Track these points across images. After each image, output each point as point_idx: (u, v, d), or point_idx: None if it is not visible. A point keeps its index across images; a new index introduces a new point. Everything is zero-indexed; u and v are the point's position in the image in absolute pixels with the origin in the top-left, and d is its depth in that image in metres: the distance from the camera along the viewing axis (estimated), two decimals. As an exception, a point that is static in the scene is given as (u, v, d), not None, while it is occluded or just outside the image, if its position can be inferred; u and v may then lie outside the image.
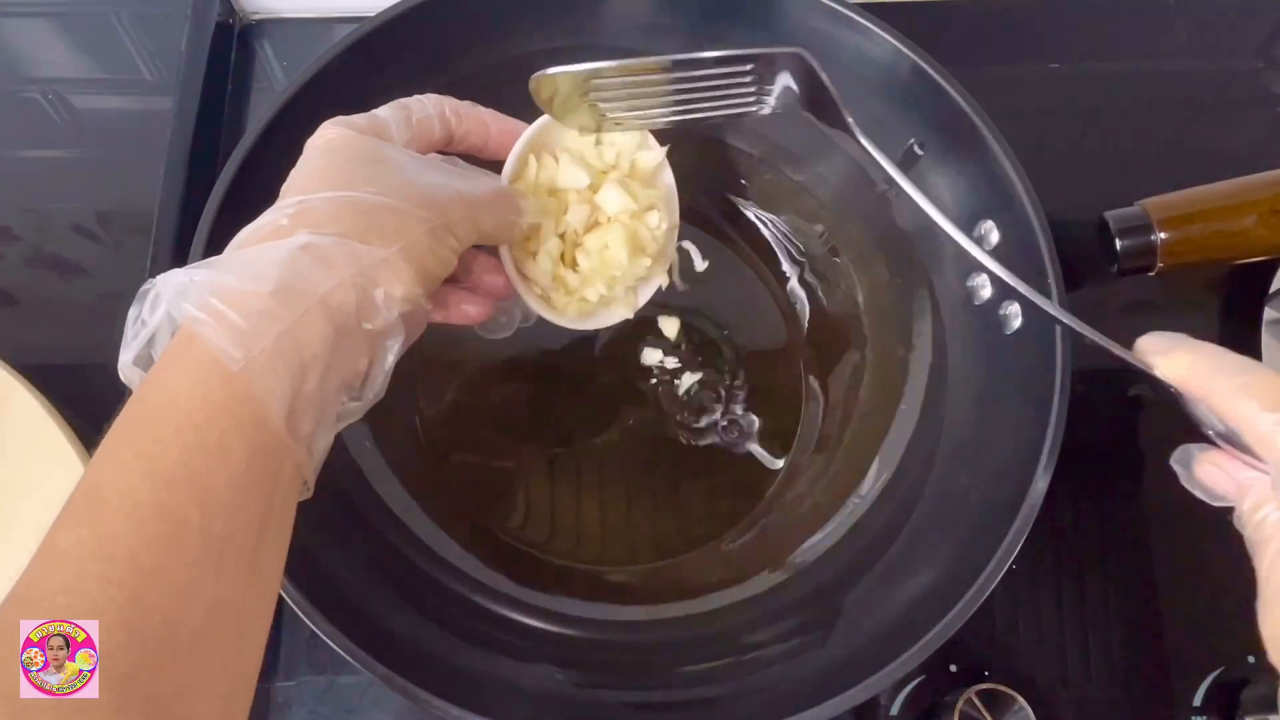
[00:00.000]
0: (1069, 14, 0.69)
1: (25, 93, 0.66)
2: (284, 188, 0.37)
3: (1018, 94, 0.67)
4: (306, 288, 0.32)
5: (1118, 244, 0.54)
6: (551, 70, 0.41)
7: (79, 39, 0.69)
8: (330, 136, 0.38)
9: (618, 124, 0.45)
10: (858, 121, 0.57)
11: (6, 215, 0.62)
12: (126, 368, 0.33)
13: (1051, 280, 0.47)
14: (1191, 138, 0.66)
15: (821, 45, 0.53)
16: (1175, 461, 0.38)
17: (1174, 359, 0.37)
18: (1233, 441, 0.36)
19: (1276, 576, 0.34)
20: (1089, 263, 0.55)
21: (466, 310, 0.44)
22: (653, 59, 0.42)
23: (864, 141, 0.43)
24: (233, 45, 0.67)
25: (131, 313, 0.33)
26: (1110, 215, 0.54)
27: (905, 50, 0.51)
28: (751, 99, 0.44)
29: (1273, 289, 0.58)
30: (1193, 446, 0.37)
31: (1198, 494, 0.37)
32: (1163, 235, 0.53)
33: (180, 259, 0.49)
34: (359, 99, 0.51)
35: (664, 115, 0.44)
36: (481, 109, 0.44)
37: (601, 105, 0.43)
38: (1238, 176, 0.54)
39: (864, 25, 0.51)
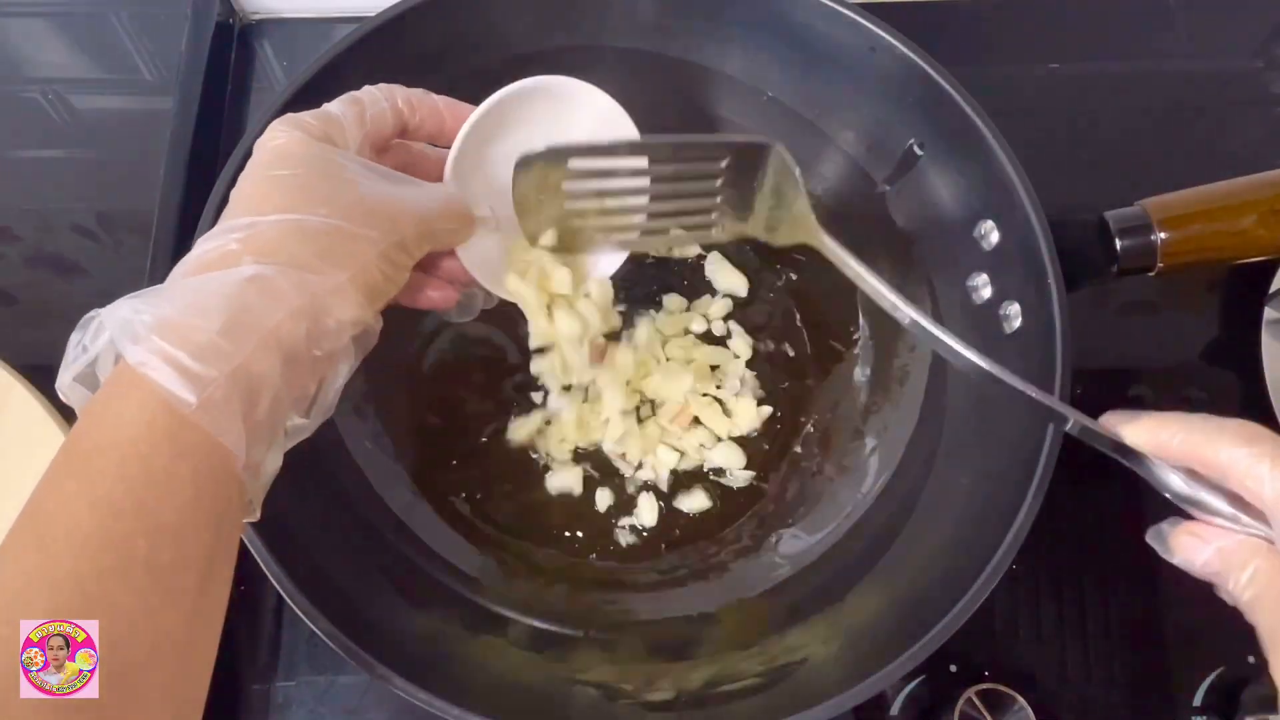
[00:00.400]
0: (1069, 14, 0.69)
1: (25, 93, 0.66)
2: (232, 195, 0.36)
3: (1018, 94, 0.67)
4: (254, 321, 0.32)
5: (1118, 244, 0.53)
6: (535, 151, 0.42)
7: (79, 39, 0.69)
8: (281, 143, 0.37)
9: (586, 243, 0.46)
10: (860, 125, 0.57)
11: (6, 215, 0.62)
12: (66, 386, 0.33)
13: (1051, 280, 0.47)
14: (1191, 138, 0.66)
15: (822, 45, 0.53)
16: (1150, 540, 0.37)
17: (1140, 426, 0.36)
18: (1197, 504, 0.35)
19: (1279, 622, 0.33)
20: (1089, 263, 0.55)
21: (431, 296, 0.44)
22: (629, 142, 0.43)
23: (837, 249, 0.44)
24: (233, 45, 0.67)
25: (74, 338, 0.33)
26: (1110, 215, 0.54)
27: (905, 50, 0.51)
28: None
29: (1273, 289, 0.58)
30: (1164, 525, 0.37)
31: (1183, 568, 0.37)
32: (1163, 235, 0.53)
33: (180, 259, 0.49)
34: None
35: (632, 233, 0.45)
36: (434, 96, 0.43)
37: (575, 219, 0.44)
38: (1238, 176, 0.54)
39: (864, 25, 0.51)
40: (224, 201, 0.45)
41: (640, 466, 0.56)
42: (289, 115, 0.38)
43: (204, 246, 0.34)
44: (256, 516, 0.35)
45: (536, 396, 0.57)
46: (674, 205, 0.45)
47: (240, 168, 0.46)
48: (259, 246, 0.33)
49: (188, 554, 0.30)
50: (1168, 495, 0.36)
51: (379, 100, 0.41)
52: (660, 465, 0.56)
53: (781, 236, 0.46)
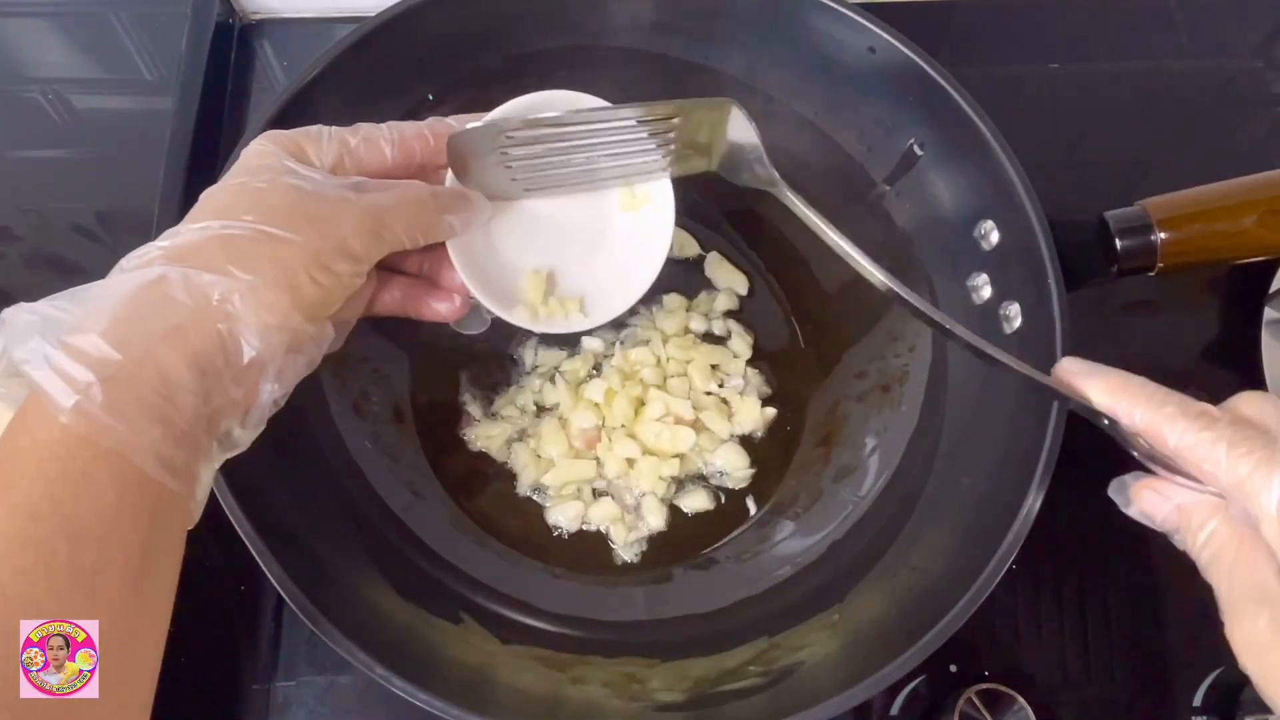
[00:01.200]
0: (1069, 14, 0.69)
1: (25, 93, 0.66)
2: (199, 200, 0.37)
3: (1018, 94, 0.67)
4: (146, 323, 0.31)
5: (1118, 244, 0.54)
6: (467, 127, 0.41)
7: (79, 39, 0.69)
8: (248, 154, 0.38)
9: (527, 188, 0.45)
10: (860, 125, 0.57)
11: (6, 215, 0.62)
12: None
13: (1051, 280, 0.47)
14: (1191, 138, 0.66)
15: (822, 45, 0.53)
16: (1112, 492, 0.38)
17: (1100, 387, 0.37)
18: (1158, 461, 0.36)
19: (1235, 585, 0.34)
20: (1089, 263, 0.55)
21: (437, 309, 0.44)
22: (555, 115, 0.42)
23: (792, 198, 0.44)
24: (233, 45, 0.67)
25: None
26: (1110, 215, 0.54)
27: (905, 50, 0.51)
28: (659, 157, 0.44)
29: (1273, 289, 0.58)
30: (1127, 477, 0.38)
31: (1140, 520, 0.37)
32: (1163, 235, 0.53)
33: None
34: (359, 99, 0.51)
35: (574, 175, 0.45)
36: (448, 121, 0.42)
37: (514, 165, 0.43)
38: (1238, 176, 0.54)
39: (864, 25, 0.51)
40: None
41: (642, 497, 0.56)
42: (273, 131, 0.39)
43: (137, 251, 0.34)
44: (193, 523, 0.34)
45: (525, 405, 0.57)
46: (629, 150, 0.44)
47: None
48: (176, 253, 0.34)
49: (113, 556, 0.30)
50: (1131, 453, 0.37)
51: (375, 129, 0.40)
52: (659, 486, 0.56)
53: (744, 181, 0.45)
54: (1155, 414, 0.35)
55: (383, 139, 0.40)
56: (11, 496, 0.29)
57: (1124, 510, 0.38)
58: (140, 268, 0.33)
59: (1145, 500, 0.37)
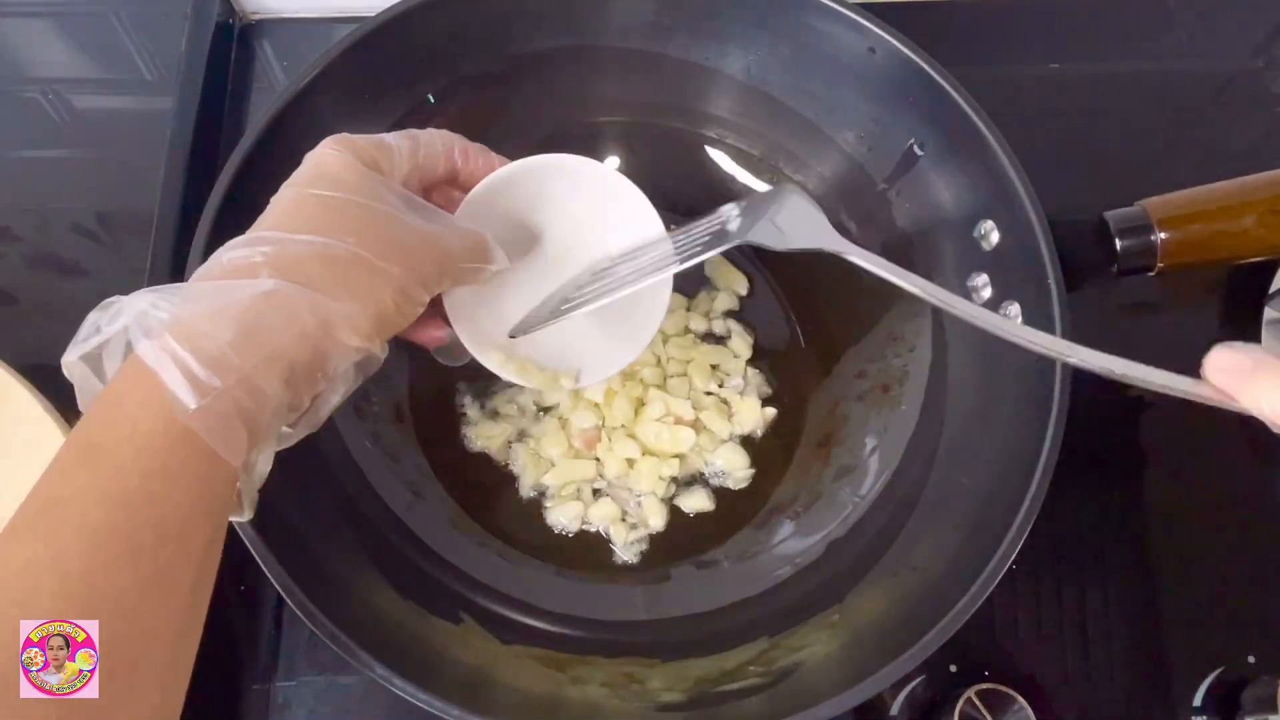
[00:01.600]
0: (1069, 14, 0.69)
1: (25, 93, 0.66)
2: (272, 201, 0.37)
3: (1018, 94, 0.67)
4: (264, 338, 0.32)
5: (1118, 244, 0.54)
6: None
7: (79, 39, 0.69)
8: (328, 161, 0.38)
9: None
10: (860, 125, 0.57)
11: (6, 215, 0.62)
12: (71, 362, 0.33)
13: (1051, 280, 0.47)
14: (1191, 138, 0.66)
15: (822, 45, 0.53)
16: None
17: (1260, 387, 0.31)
18: None
19: None
20: (1089, 263, 0.55)
21: (435, 335, 0.44)
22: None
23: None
24: (233, 45, 0.67)
25: (90, 316, 0.33)
26: (1110, 215, 0.54)
27: (905, 50, 0.51)
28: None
29: (1273, 289, 0.58)
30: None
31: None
32: (1163, 235, 0.53)
33: (180, 259, 0.49)
34: (359, 99, 0.51)
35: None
36: (493, 155, 0.44)
37: None
38: (1238, 176, 0.54)
39: (864, 25, 0.51)
40: (224, 202, 0.46)
41: (642, 497, 0.56)
42: (344, 135, 0.39)
43: (230, 254, 0.34)
44: (248, 516, 0.36)
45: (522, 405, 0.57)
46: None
47: (241, 168, 0.47)
48: (281, 264, 0.34)
49: (188, 549, 0.31)
50: None
51: (435, 141, 0.42)
52: (659, 486, 0.56)
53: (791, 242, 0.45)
54: None
55: (439, 155, 0.42)
56: (107, 484, 0.29)
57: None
58: (244, 271, 0.34)
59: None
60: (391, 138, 0.40)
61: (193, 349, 0.31)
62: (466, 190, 0.44)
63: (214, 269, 0.34)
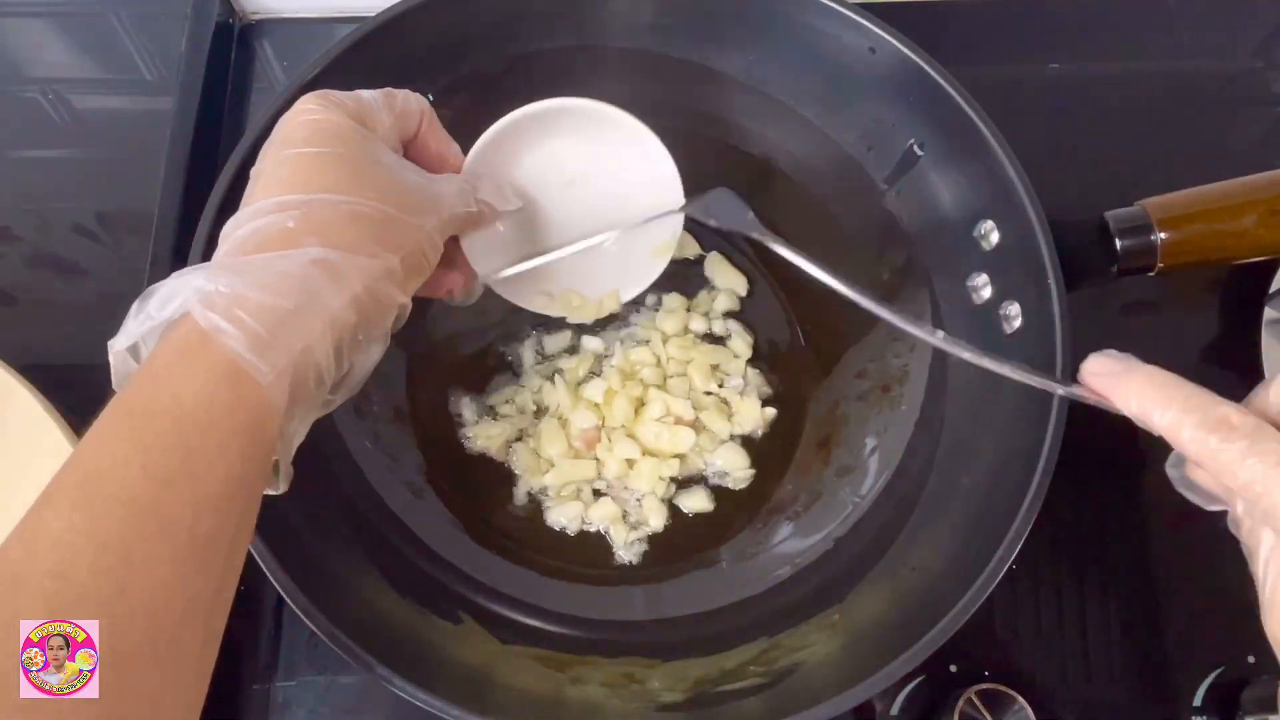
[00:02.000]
0: (1069, 14, 0.69)
1: (25, 93, 0.66)
2: (265, 168, 0.36)
3: (1018, 94, 0.67)
4: (320, 305, 0.33)
5: (1118, 244, 0.53)
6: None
7: (79, 39, 0.69)
8: (318, 119, 0.37)
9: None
10: (860, 125, 0.57)
11: (6, 215, 0.62)
12: (119, 352, 0.33)
13: (1051, 280, 0.47)
14: (1191, 138, 0.66)
15: (822, 45, 0.53)
16: (1170, 466, 0.37)
17: (1132, 393, 0.34)
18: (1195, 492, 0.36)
19: (1270, 577, 0.34)
20: (1089, 263, 0.55)
21: (454, 280, 0.46)
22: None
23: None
24: (233, 45, 0.67)
25: (135, 307, 0.33)
26: (1110, 215, 0.54)
27: (905, 50, 0.51)
28: None
29: (1273, 289, 0.58)
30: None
31: (1192, 498, 0.37)
32: (1163, 235, 0.53)
33: (180, 259, 0.49)
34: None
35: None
36: (445, 136, 0.44)
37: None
38: (1238, 176, 0.54)
39: (864, 25, 0.51)
40: (225, 202, 0.46)
41: (642, 497, 0.56)
42: (322, 91, 0.38)
43: (256, 222, 0.34)
44: (283, 489, 0.36)
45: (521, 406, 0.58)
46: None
47: (241, 168, 0.46)
48: (316, 228, 0.34)
49: (224, 524, 0.31)
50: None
51: (410, 100, 0.42)
52: (659, 487, 0.56)
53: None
54: (1201, 438, 0.32)
55: (414, 115, 0.42)
56: (147, 457, 0.29)
57: (1176, 487, 0.37)
58: (281, 239, 0.33)
59: (1200, 475, 0.36)
60: (368, 95, 0.40)
61: (261, 319, 0.31)
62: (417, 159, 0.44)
63: (245, 240, 0.34)
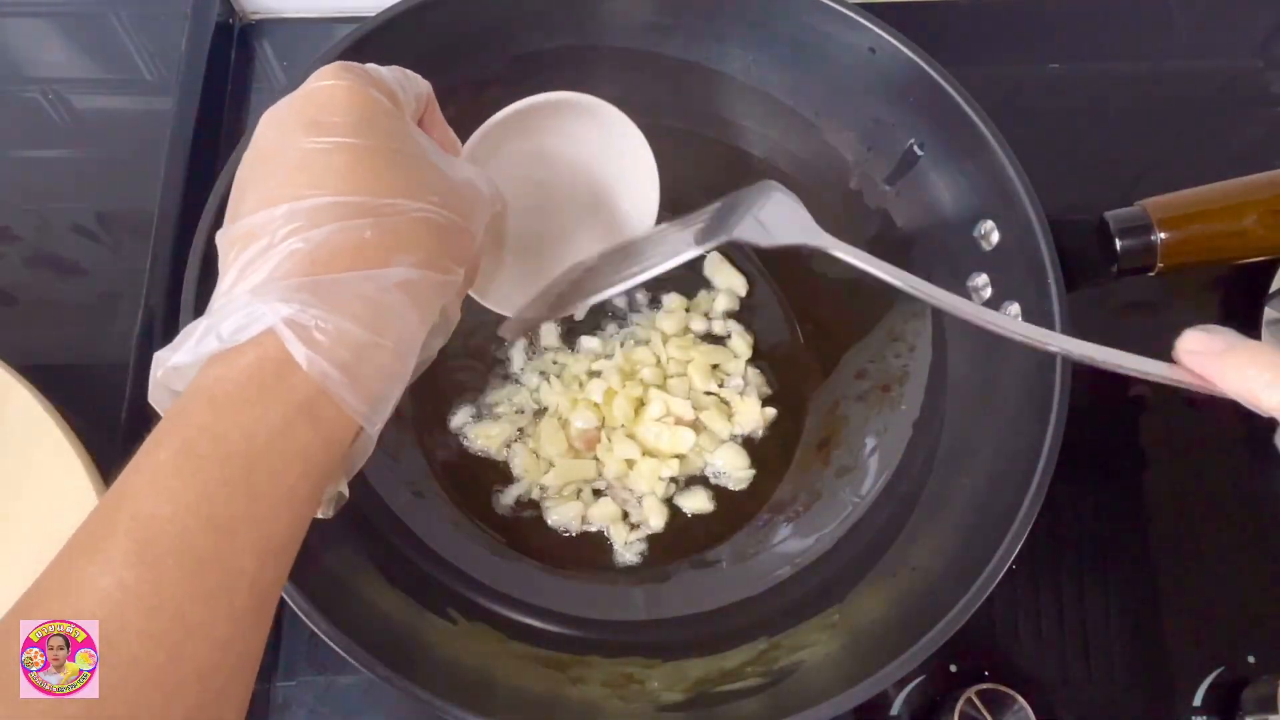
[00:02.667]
0: (1069, 14, 0.69)
1: (25, 93, 0.66)
2: (295, 157, 0.30)
3: (1018, 94, 0.67)
4: (411, 338, 0.30)
5: (1118, 244, 0.54)
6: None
7: (79, 39, 0.69)
8: (353, 100, 0.31)
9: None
10: (860, 125, 0.57)
11: (6, 215, 0.62)
12: (169, 369, 0.29)
13: (1051, 280, 0.47)
14: (1191, 138, 0.66)
15: (822, 45, 0.53)
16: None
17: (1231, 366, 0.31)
18: None
19: None
20: (1089, 263, 0.55)
21: None
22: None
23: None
24: (233, 45, 0.67)
25: (204, 324, 0.29)
26: (1110, 215, 0.54)
27: (905, 50, 0.51)
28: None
29: (1273, 289, 0.58)
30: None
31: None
32: (1163, 235, 0.53)
33: (180, 259, 0.49)
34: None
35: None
36: (445, 123, 0.41)
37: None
38: (1238, 176, 0.54)
39: (864, 25, 0.51)
40: (224, 202, 0.45)
41: (642, 497, 0.56)
42: (349, 64, 0.33)
43: (327, 229, 0.29)
44: (331, 513, 0.34)
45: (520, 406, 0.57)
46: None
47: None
48: (396, 241, 0.30)
49: (285, 570, 0.28)
50: None
51: (417, 79, 0.37)
52: (659, 487, 0.56)
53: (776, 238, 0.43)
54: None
55: (424, 98, 0.38)
56: (212, 508, 0.26)
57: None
58: (359, 252, 0.29)
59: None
60: (386, 71, 0.35)
61: (363, 360, 0.28)
62: None
63: (319, 250, 0.29)
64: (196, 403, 0.28)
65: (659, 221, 0.47)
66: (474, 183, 0.35)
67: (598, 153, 0.47)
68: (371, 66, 0.34)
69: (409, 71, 0.37)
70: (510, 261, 0.47)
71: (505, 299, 0.46)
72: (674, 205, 0.53)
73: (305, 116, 0.31)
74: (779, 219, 0.42)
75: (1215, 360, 0.32)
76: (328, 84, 0.31)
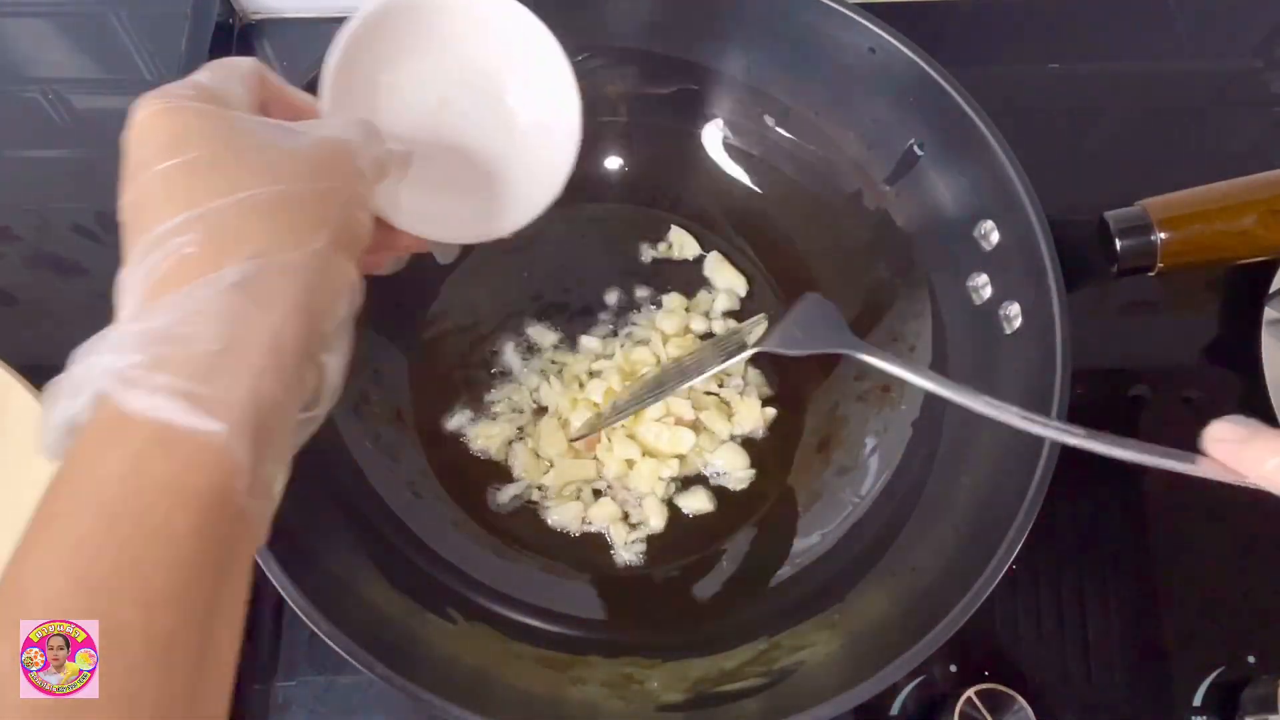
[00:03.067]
0: (1069, 14, 0.69)
1: (25, 93, 0.66)
2: (133, 202, 0.30)
3: (1018, 94, 0.67)
4: (254, 337, 0.28)
5: (1118, 244, 0.54)
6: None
7: (79, 39, 0.69)
8: (168, 121, 0.31)
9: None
10: (860, 125, 0.57)
11: (6, 215, 0.62)
12: (50, 445, 0.29)
13: (1051, 280, 0.47)
14: (1191, 138, 0.66)
15: (822, 45, 0.53)
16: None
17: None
18: None
19: None
20: (1089, 263, 0.55)
21: (405, 243, 0.40)
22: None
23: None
24: (233, 45, 0.67)
25: (50, 399, 0.29)
26: (1110, 215, 0.54)
27: (905, 50, 0.51)
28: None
29: (1273, 289, 0.58)
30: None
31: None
32: (1163, 235, 0.53)
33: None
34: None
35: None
36: (293, 88, 0.39)
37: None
38: (1238, 176, 0.54)
39: (864, 25, 0.51)
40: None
41: (642, 498, 0.56)
42: (159, 90, 0.32)
43: (148, 263, 0.29)
44: (264, 541, 0.31)
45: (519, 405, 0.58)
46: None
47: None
48: (220, 244, 0.29)
49: (188, 614, 0.27)
50: None
51: (240, 61, 0.36)
52: (659, 487, 0.56)
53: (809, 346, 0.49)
54: None
55: (250, 75, 0.36)
56: (76, 564, 0.25)
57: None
58: (185, 269, 0.29)
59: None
60: (200, 74, 0.34)
61: (189, 374, 0.27)
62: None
63: (148, 285, 0.29)
64: (55, 475, 0.28)
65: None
66: (336, 137, 0.34)
67: (499, 53, 0.43)
68: (191, 77, 0.34)
69: (230, 59, 0.35)
70: (420, 179, 0.41)
71: (420, 219, 0.41)
72: (675, 205, 0.54)
73: (132, 160, 0.31)
74: (813, 325, 0.48)
75: (1239, 449, 0.32)
76: (139, 116, 0.31)
